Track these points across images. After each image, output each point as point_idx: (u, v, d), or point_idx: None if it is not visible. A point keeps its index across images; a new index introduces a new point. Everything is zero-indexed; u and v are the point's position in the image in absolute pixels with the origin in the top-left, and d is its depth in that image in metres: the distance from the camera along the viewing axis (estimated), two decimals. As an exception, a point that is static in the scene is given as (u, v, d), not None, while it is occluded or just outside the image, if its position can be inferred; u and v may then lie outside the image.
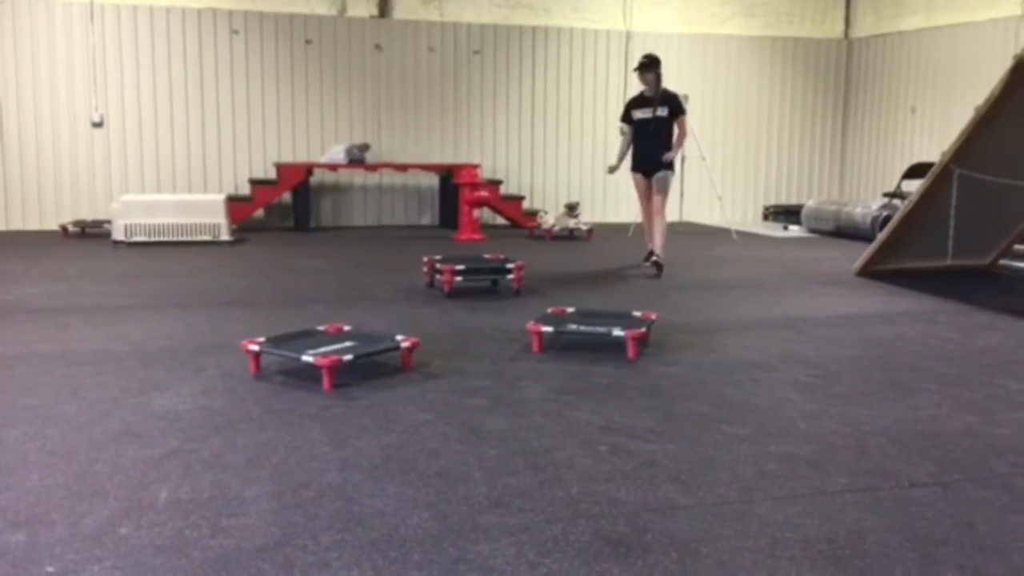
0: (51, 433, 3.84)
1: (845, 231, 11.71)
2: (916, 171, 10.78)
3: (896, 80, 13.40)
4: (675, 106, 8.48)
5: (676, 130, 8.49)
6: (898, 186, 11.43)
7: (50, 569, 2.66)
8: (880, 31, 13.68)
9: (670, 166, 8.52)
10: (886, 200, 11.55)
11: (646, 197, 8.65)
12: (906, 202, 8.40)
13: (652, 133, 8.46)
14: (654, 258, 8.47)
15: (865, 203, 11.80)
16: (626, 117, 8.71)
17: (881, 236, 8.54)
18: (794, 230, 12.63)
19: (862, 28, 14.08)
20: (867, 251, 8.62)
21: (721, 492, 3.29)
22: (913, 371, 5.07)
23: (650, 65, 8.42)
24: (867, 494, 3.29)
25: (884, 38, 13.60)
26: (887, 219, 10.35)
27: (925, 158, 11.84)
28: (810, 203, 12.72)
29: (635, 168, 8.63)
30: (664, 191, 8.54)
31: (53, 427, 3.91)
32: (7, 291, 7.18)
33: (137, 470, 3.44)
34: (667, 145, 8.47)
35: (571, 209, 9.16)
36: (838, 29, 14.31)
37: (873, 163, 13.94)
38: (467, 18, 12.71)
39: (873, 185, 13.81)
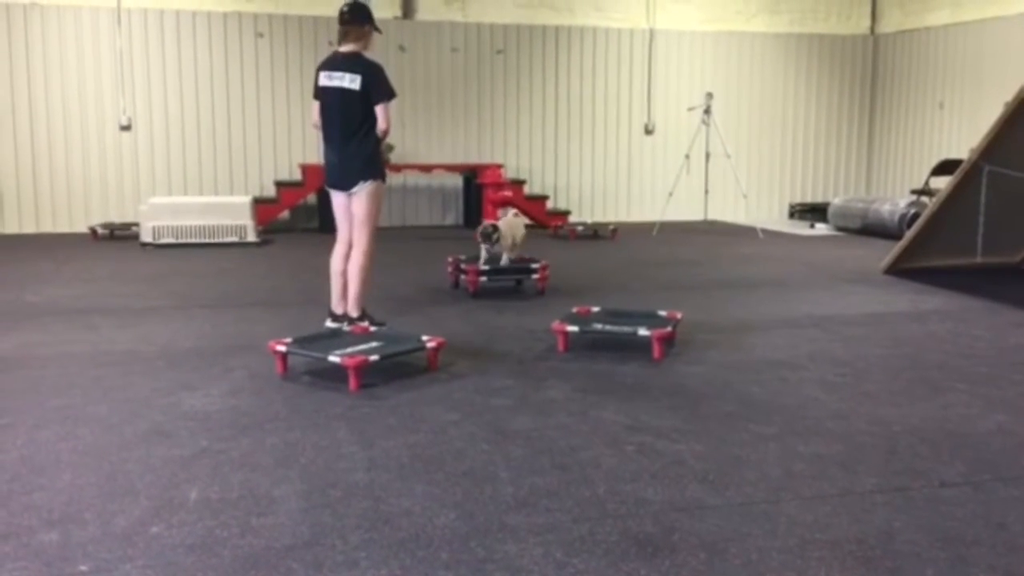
0: (83, 433, 3.88)
1: (872, 229, 11.61)
2: (944, 168, 10.66)
3: (923, 76, 13.26)
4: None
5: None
6: (926, 183, 11.31)
7: (83, 568, 2.69)
8: (907, 27, 13.56)
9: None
10: (914, 197, 11.43)
11: None
12: (934, 199, 8.32)
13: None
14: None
15: (893, 200, 11.69)
16: None
17: (909, 234, 8.46)
18: (821, 228, 12.53)
19: (888, 24, 13.96)
20: (895, 249, 8.54)
21: (749, 492, 3.27)
22: (942, 370, 5.02)
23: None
24: (897, 494, 3.26)
25: (911, 34, 13.47)
26: (915, 216, 10.25)
27: (954, 155, 11.71)
28: (837, 201, 12.62)
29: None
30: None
31: (84, 427, 3.96)
32: (38, 292, 7.27)
33: (167, 470, 3.48)
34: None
35: (487, 237, 7.14)
36: (864, 25, 14.19)
37: (901, 160, 13.81)
38: (490, 18, 12.72)
39: (901, 182, 13.68)
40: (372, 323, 5.79)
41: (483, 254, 7.26)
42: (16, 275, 8.13)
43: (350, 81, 5.71)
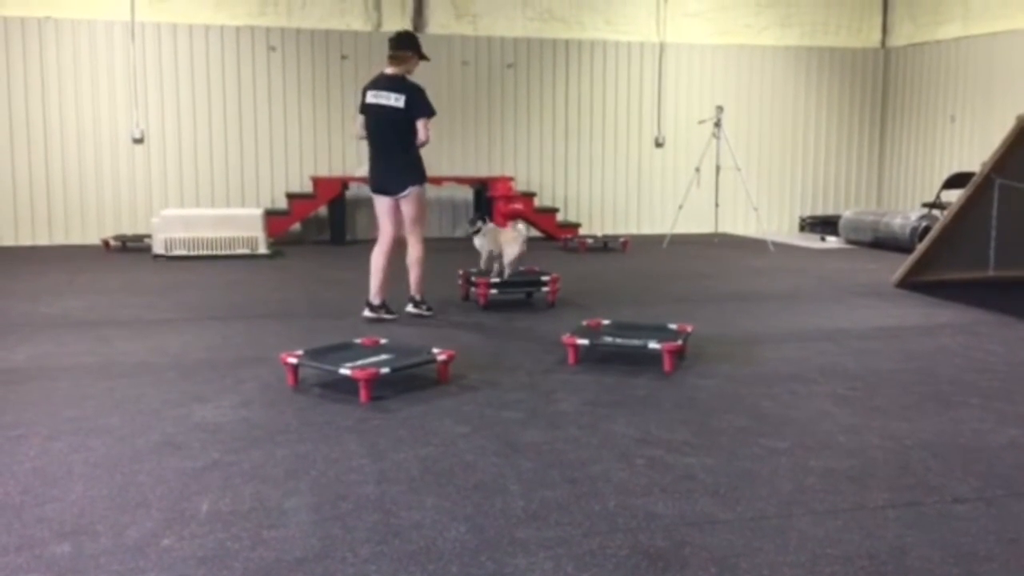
0: (95, 445, 3.90)
1: (884, 242, 11.58)
2: (956, 181, 10.63)
3: (934, 89, 13.24)
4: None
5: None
6: (938, 196, 11.28)
7: (95, 579, 2.70)
8: (917, 40, 13.55)
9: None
10: (926, 210, 11.40)
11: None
12: (946, 212, 8.29)
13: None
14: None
15: (904, 213, 11.66)
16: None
17: (921, 247, 8.43)
18: (831, 241, 12.51)
19: (899, 37, 13.95)
20: (907, 262, 8.51)
21: (760, 506, 3.26)
22: (955, 384, 4.99)
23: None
24: (909, 509, 3.25)
25: (921, 47, 13.46)
26: (927, 230, 10.22)
27: (965, 168, 11.68)
28: (848, 214, 12.59)
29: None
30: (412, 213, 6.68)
31: (97, 439, 3.97)
32: (51, 304, 7.31)
33: (179, 482, 3.49)
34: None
35: (471, 223, 7.50)
36: (875, 38, 14.19)
37: (912, 173, 13.78)
38: (500, 32, 12.77)
39: (912, 195, 13.65)
40: (427, 308, 6.80)
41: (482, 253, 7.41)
42: (30, 287, 8.18)
43: (395, 100, 6.45)
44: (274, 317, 6.89)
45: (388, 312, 6.66)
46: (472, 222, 7.55)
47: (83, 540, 2.96)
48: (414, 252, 6.74)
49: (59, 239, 11.61)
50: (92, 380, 4.98)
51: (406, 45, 6.63)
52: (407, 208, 6.64)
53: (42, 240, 11.54)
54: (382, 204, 6.74)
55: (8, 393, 4.72)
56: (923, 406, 4.57)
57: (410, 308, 6.79)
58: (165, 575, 2.72)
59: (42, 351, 5.68)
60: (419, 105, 6.48)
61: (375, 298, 6.66)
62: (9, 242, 11.38)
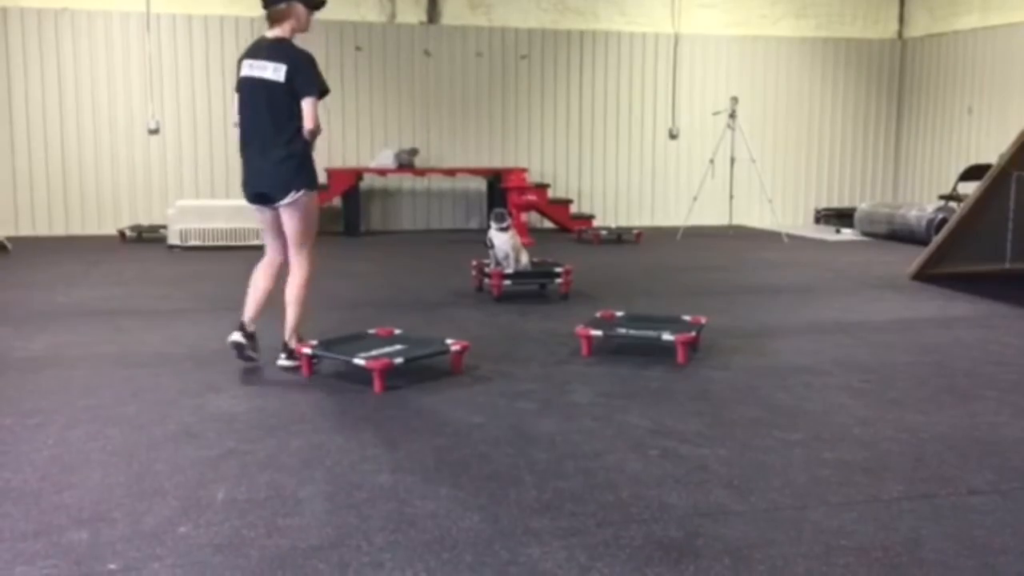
0: (112, 433, 3.93)
1: (900, 234, 11.51)
2: (973, 173, 10.56)
3: (952, 80, 13.14)
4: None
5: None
6: (954, 188, 11.21)
7: (112, 566, 2.72)
8: (935, 31, 13.44)
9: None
10: (942, 203, 11.33)
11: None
12: (963, 205, 8.24)
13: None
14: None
15: (920, 206, 11.59)
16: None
17: (937, 239, 8.38)
18: (847, 233, 12.44)
19: (916, 28, 13.85)
20: (922, 255, 8.47)
21: (774, 498, 3.26)
22: (970, 377, 4.97)
23: None
24: (924, 501, 3.24)
25: (939, 38, 13.36)
26: (943, 222, 10.15)
27: (982, 160, 11.59)
28: (863, 206, 12.53)
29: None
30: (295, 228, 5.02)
31: (114, 427, 4.01)
32: (67, 294, 7.37)
33: (195, 470, 3.52)
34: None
35: (500, 219, 7.26)
36: (891, 29, 14.09)
37: (928, 165, 13.69)
38: (514, 23, 12.75)
39: (928, 187, 13.56)
40: (290, 356, 4.96)
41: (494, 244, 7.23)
42: (46, 277, 8.24)
43: (274, 71, 4.79)
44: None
45: (253, 349, 5.03)
46: (501, 217, 7.28)
47: (100, 527, 2.99)
48: (296, 281, 4.99)
49: (75, 229, 11.68)
50: (109, 369, 5.02)
51: None
52: (290, 221, 4.92)
53: (58, 230, 11.61)
54: (263, 217, 5.08)
55: (26, 382, 4.76)
56: (938, 399, 4.55)
57: (282, 360, 5.03)
58: (181, 562, 2.75)
59: (59, 340, 5.72)
60: (304, 78, 4.79)
61: (250, 324, 5.02)
62: (26, 232, 11.45)
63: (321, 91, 4.85)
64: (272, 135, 4.84)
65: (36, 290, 7.54)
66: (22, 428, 3.99)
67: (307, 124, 4.81)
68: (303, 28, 4.95)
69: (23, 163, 11.43)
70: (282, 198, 4.89)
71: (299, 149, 4.87)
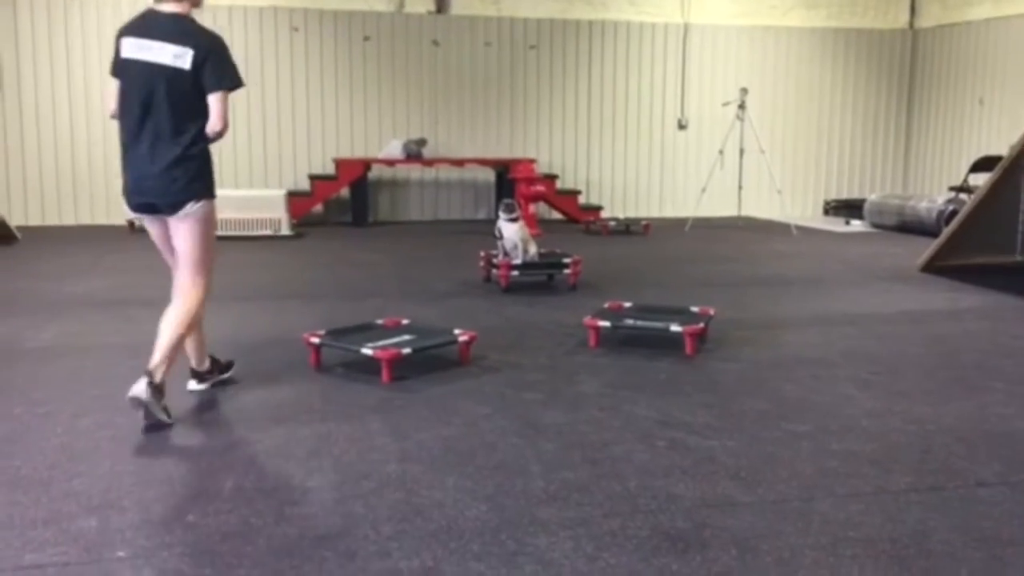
0: (121, 422, 3.95)
1: (909, 226, 11.46)
2: (984, 164, 10.50)
3: (963, 71, 13.06)
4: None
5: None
6: (965, 180, 11.14)
7: (121, 554, 2.74)
8: (946, 21, 13.35)
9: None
10: (952, 194, 11.27)
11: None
12: (973, 196, 8.20)
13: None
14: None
15: (930, 197, 11.53)
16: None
17: (947, 231, 8.35)
18: (856, 225, 12.40)
19: (927, 18, 13.76)
20: (932, 246, 8.43)
21: (781, 489, 3.26)
22: (979, 369, 4.95)
23: None
24: (932, 493, 3.23)
25: (950, 28, 13.27)
26: (953, 214, 10.10)
27: (993, 151, 11.51)
28: (873, 197, 12.47)
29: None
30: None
31: (123, 416, 4.02)
32: (77, 284, 7.39)
33: (204, 459, 3.53)
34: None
35: (510, 209, 7.21)
36: (903, 20, 14.00)
37: (939, 156, 13.62)
38: (523, 13, 12.71)
39: (939, 179, 13.49)
40: (155, 391, 3.88)
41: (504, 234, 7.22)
42: (56, 267, 8.27)
43: (175, 56, 3.93)
44: (296, 297, 6.92)
45: (222, 371, 4.55)
46: (511, 208, 7.27)
47: (109, 514, 3.00)
48: (181, 308, 4.18)
49: (84, 219, 11.70)
50: (118, 359, 5.04)
51: None
52: (184, 237, 4.11)
53: (68, 220, 11.64)
54: (154, 231, 4.27)
55: (36, 371, 4.79)
56: (947, 390, 4.53)
57: (192, 384, 4.44)
58: (190, 550, 2.76)
59: (69, 330, 5.74)
60: (215, 68, 3.96)
61: (199, 364, 4.45)
62: (36, 222, 11.49)
63: (234, 84, 4.03)
64: (168, 134, 3.97)
65: (46, 280, 7.57)
66: (32, 417, 4.02)
67: (215, 123, 3.99)
68: (198, 3, 4.16)
69: (32, 153, 11.46)
70: (175, 210, 4.05)
71: (199, 151, 4.06)
